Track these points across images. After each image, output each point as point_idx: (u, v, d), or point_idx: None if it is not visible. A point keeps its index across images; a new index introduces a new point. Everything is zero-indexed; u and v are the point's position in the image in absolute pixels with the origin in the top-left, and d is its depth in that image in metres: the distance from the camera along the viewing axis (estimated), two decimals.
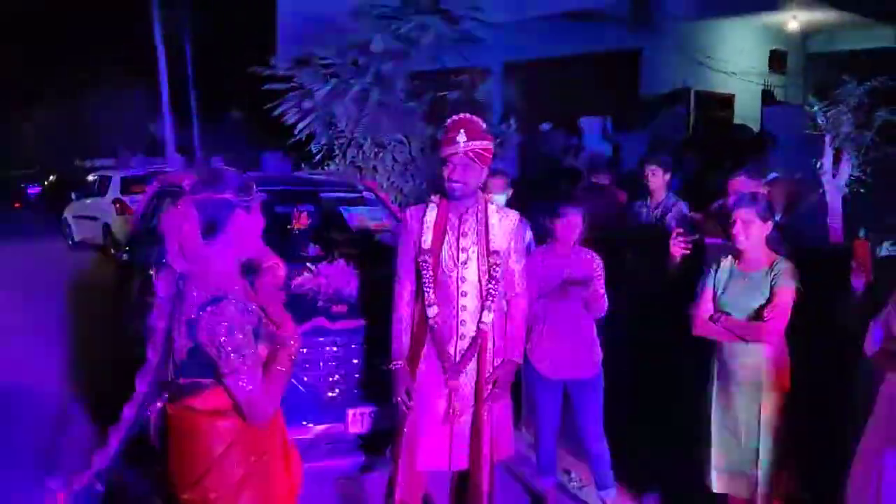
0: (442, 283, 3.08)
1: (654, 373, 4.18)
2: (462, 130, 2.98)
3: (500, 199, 4.78)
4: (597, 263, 3.73)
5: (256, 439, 2.25)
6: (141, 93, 21.48)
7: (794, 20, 12.35)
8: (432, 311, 3.07)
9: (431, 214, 3.12)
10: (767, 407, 3.25)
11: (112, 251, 11.77)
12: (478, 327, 3.07)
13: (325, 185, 5.80)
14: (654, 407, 4.25)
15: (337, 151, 7.58)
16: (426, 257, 3.08)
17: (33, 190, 26.71)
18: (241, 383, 2.12)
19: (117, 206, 13.07)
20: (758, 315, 3.21)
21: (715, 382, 3.38)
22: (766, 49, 13.31)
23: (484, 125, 3.09)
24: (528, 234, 4.88)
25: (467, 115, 3.09)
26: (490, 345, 3.12)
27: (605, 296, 3.70)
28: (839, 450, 3.03)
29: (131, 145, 23.06)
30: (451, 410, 3.08)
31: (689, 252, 3.86)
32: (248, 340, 2.13)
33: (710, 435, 3.38)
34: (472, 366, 3.09)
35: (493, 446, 3.14)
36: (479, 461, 3.09)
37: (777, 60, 13.45)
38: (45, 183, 26.05)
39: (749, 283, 3.26)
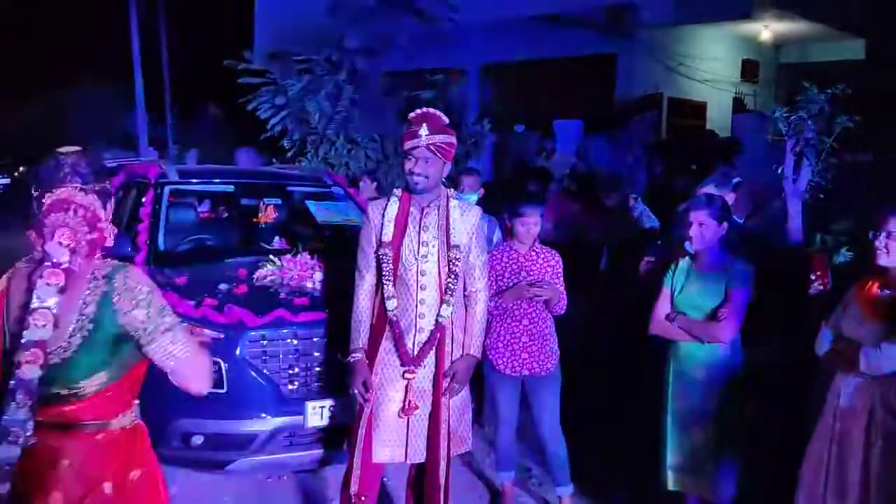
0: (401, 276, 3.09)
1: (612, 371, 4.24)
2: (424, 124, 2.99)
3: (472, 197, 4.81)
4: (556, 261, 3.77)
5: (134, 447, 2.12)
6: (115, 86, 21.24)
7: (766, 30, 12.51)
8: (391, 304, 3.08)
9: (393, 208, 3.13)
10: (721, 406, 3.30)
11: None
12: (436, 321, 3.08)
13: (293, 179, 5.79)
14: (612, 405, 4.31)
15: (309, 147, 7.55)
16: (386, 250, 3.08)
17: (2, 181, 26.34)
18: (178, 342, 2.03)
19: None
20: (713, 315, 3.26)
21: (670, 381, 3.42)
22: (738, 58, 13.47)
23: (446, 120, 3.09)
24: (497, 234, 4.92)
25: (429, 109, 3.10)
26: (449, 339, 3.13)
27: (564, 295, 3.73)
28: (792, 448, 3.09)
29: (104, 138, 22.78)
30: (406, 403, 3.09)
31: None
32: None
33: (665, 433, 3.43)
34: (430, 359, 3.10)
35: (451, 440, 3.15)
36: (435, 455, 3.10)
37: (749, 70, 13.62)
38: (15, 174, 25.70)
39: (705, 284, 3.32)
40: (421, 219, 3.11)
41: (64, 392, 1.95)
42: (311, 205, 5.04)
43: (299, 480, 4.15)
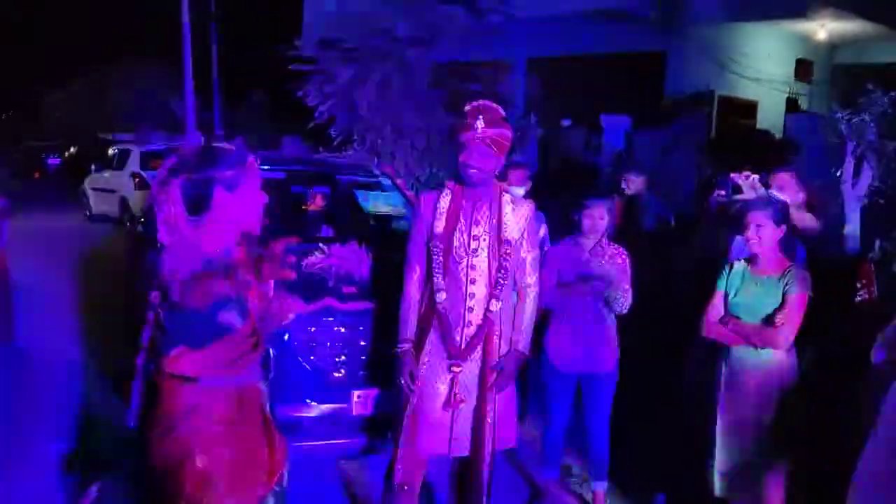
0: (451, 269, 3.08)
1: (663, 374, 4.18)
2: (480, 116, 2.96)
3: (519, 191, 4.78)
4: (622, 259, 3.68)
5: (221, 408, 2.27)
6: (164, 69, 21.60)
7: (822, 29, 12.23)
8: (440, 297, 3.07)
9: (445, 200, 3.11)
10: (774, 413, 3.23)
11: (127, 224, 11.84)
12: (485, 315, 3.07)
13: (342, 169, 5.82)
14: (661, 408, 4.25)
15: (356, 136, 7.59)
16: (437, 243, 3.07)
17: (53, 161, 26.90)
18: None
19: (136, 179, 13.14)
20: (769, 320, 3.20)
21: (722, 386, 3.35)
22: (792, 57, 13.20)
23: (503, 113, 3.07)
24: (543, 228, 4.89)
25: (487, 101, 3.07)
26: (497, 334, 3.12)
27: (629, 293, 3.62)
28: (844, 460, 3.02)
29: (152, 121, 23.18)
30: (453, 397, 3.08)
31: None
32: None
33: (716, 439, 3.37)
34: (477, 353, 3.09)
35: (496, 436, 3.14)
36: (480, 449, 3.10)
37: (803, 69, 13.34)
38: (66, 154, 26.23)
39: (761, 288, 3.24)
40: (472, 212, 3.09)
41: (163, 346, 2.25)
42: (359, 194, 5.06)
43: (342, 468, 4.18)
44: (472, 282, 3.08)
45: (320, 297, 3.76)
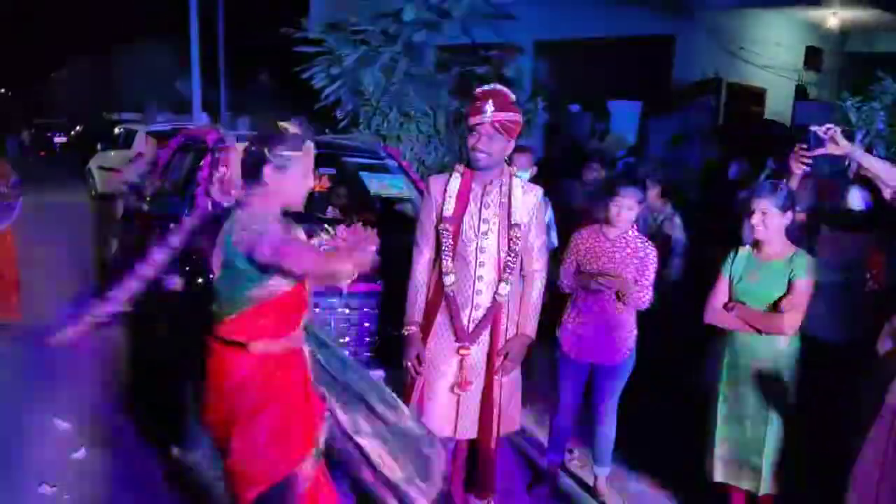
0: (460, 252, 3.09)
1: (663, 359, 4.18)
2: (490, 101, 2.96)
3: (524, 175, 4.76)
4: (645, 253, 3.56)
5: (272, 374, 2.45)
6: (170, 49, 21.52)
7: (833, 17, 12.11)
8: (449, 280, 3.08)
9: (455, 183, 3.12)
10: (777, 400, 3.24)
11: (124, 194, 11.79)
12: (493, 299, 3.08)
13: (348, 150, 5.81)
14: (661, 392, 4.26)
15: (362, 119, 7.57)
16: (447, 225, 3.08)
17: (59, 139, 26.91)
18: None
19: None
20: (775, 306, 3.19)
21: (724, 372, 3.36)
22: (802, 45, 13.08)
23: (513, 97, 3.07)
24: (549, 213, 4.88)
25: (497, 85, 3.08)
26: (504, 317, 3.13)
27: (648, 288, 3.53)
28: (846, 445, 3.03)
29: (158, 101, 23.15)
30: (459, 379, 3.09)
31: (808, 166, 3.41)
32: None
33: (715, 424, 3.38)
34: (484, 337, 3.11)
35: (501, 419, 3.16)
36: (486, 432, 3.13)
37: (813, 57, 13.22)
38: (72, 133, 26.23)
39: (767, 274, 3.24)
40: (483, 196, 3.09)
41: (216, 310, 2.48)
42: (365, 176, 5.05)
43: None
44: (481, 265, 3.09)
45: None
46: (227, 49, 18.25)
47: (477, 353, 3.11)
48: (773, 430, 3.25)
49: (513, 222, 3.08)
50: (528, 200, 3.13)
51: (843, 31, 12.89)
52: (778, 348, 3.22)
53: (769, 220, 3.20)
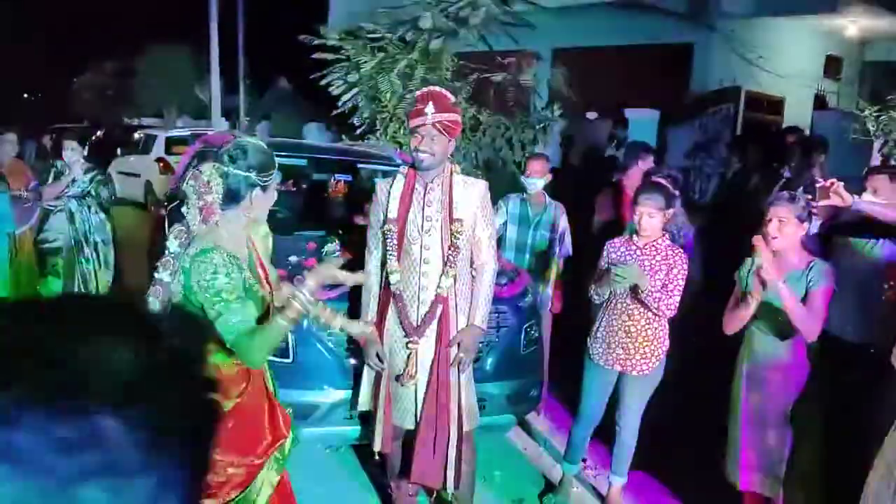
0: (406, 250, 3.21)
1: (685, 370, 4.15)
2: (430, 103, 3.07)
3: (539, 182, 4.78)
4: (674, 261, 3.49)
5: (227, 391, 2.37)
6: (190, 55, 21.73)
7: (853, 26, 12.02)
8: (395, 279, 3.22)
9: (398, 185, 3.24)
10: (795, 407, 3.22)
11: (151, 207, 11.94)
12: (436, 293, 3.17)
13: (364, 157, 5.83)
14: (682, 401, 4.23)
15: (379, 126, 7.59)
16: (391, 226, 3.21)
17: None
18: (227, 324, 2.23)
19: (161, 164, 13.26)
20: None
21: (742, 379, 3.35)
22: (821, 53, 12.98)
23: (452, 98, 3.20)
24: (564, 219, 4.88)
25: (436, 88, 3.21)
26: (452, 311, 3.22)
27: (673, 295, 3.45)
28: (865, 455, 3.00)
29: (178, 106, 23.36)
30: (407, 373, 3.20)
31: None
32: (234, 286, 2.26)
33: (735, 432, 3.36)
34: (432, 330, 3.21)
35: (463, 412, 3.23)
36: (444, 424, 3.19)
37: (832, 66, 13.12)
38: (92, 138, 26.45)
39: (784, 282, 3.21)
40: (425, 195, 3.19)
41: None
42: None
43: (357, 454, 4.21)
44: (426, 261, 3.20)
45: (338, 283, 3.77)
46: (246, 55, 18.38)
47: (426, 345, 3.22)
48: (792, 438, 3.22)
49: (454, 217, 3.17)
50: (470, 194, 3.21)
51: (863, 39, 12.80)
52: (796, 355, 3.20)
53: (785, 228, 3.19)
